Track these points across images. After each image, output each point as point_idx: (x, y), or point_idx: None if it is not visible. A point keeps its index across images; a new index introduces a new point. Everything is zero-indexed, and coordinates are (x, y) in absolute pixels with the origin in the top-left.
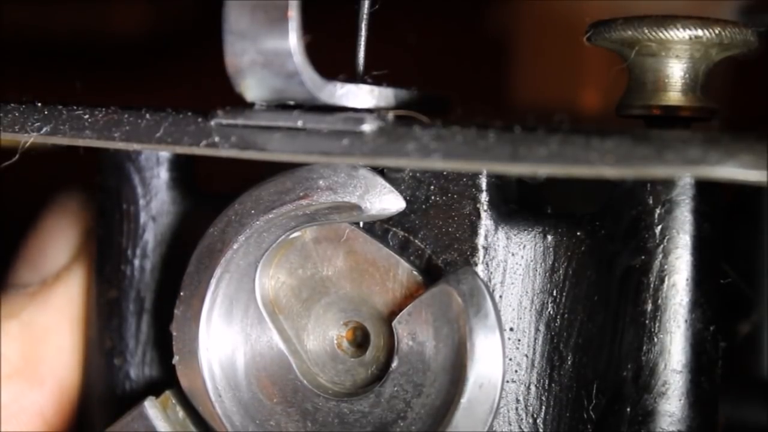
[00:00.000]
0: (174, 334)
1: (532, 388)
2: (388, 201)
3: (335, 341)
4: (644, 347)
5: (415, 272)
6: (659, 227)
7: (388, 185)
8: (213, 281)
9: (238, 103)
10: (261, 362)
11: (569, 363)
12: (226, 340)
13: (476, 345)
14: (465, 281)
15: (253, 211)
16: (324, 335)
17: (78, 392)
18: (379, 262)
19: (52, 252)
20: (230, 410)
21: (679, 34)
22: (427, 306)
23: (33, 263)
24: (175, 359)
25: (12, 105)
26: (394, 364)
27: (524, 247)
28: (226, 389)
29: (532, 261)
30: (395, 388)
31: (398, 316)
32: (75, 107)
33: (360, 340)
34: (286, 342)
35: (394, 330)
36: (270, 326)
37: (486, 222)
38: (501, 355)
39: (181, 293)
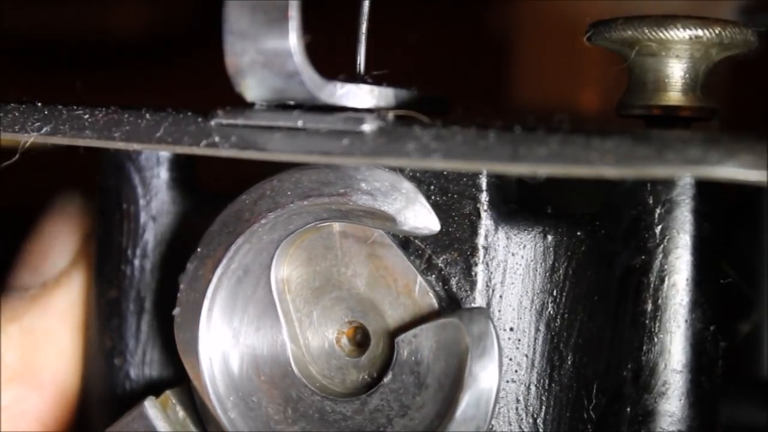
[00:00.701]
0: (181, 286)
1: (532, 388)
2: (423, 220)
3: (335, 336)
4: (644, 347)
5: (430, 294)
6: (659, 227)
7: (427, 205)
8: (233, 247)
9: (238, 103)
10: (258, 339)
11: (569, 363)
12: (230, 305)
13: (471, 387)
14: (478, 323)
15: (289, 193)
16: (326, 328)
17: (78, 396)
18: (398, 273)
19: (53, 255)
20: (217, 376)
21: (680, 34)
22: (435, 334)
23: (33, 266)
24: (176, 311)
25: (12, 105)
26: (387, 379)
27: (524, 246)
28: (217, 355)
29: (532, 261)
30: (381, 402)
31: (403, 334)
32: (75, 107)
33: (359, 341)
34: (287, 324)
35: (395, 345)
36: (276, 305)
37: (486, 222)
38: (493, 401)
39: (198, 250)
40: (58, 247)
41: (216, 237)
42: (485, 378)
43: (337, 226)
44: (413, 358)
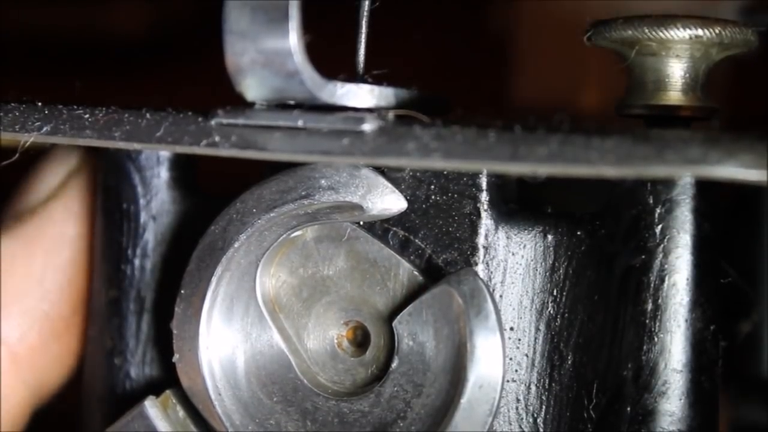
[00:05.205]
0: (174, 332)
1: (533, 387)
2: (389, 201)
3: (335, 340)
4: (644, 347)
5: (416, 272)
6: (659, 227)
7: (389, 185)
8: (214, 279)
9: (239, 103)
10: (261, 361)
11: (569, 362)
12: (226, 338)
13: (476, 346)
14: (466, 282)
15: (254, 210)
16: (324, 334)
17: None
18: (380, 261)
19: (33, 190)
20: (230, 409)
21: (680, 33)
22: (428, 306)
23: (13, 204)
24: (175, 357)
25: (12, 104)
26: (395, 364)
27: (524, 246)
28: (225, 388)
29: (532, 260)
30: (395, 388)
31: (399, 316)
32: (75, 107)
33: (360, 340)
34: (286, 341)
35: (394, 330)
36: (270, 325)
37: (486, 221)
38: (501, 357)
39: (182, 291)
40: (39, 183)
41: (195, 274)
42: (485, 335)
43: (309, 233)
44: (414, 337)
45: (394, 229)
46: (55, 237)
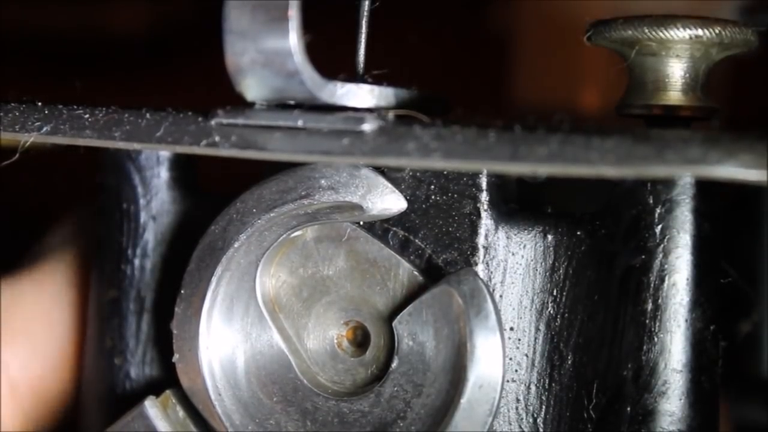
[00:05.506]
0: (174, 332)
1: (533, 387)
2: (389, 201)
3: (335, 341)
4: (644, 347)
5: (416, 272)
6: (659, 227)
7: (389, 185)
8: (214, 279)
9: (239, 103)
10: (261, 361)
11: (569, 362)
12: (226, 338)
13: (476, 346)
14: (466, 282)
15: (254, 210)
16: (324, 334)
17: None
18: (380, 261)
19: (47, 240)
20: (230, 409)
21: (680, 33)
22: (428, 306)
23: (30, 250)
24: (175, 357)
25: (12, 104)
26: (394, 364)
27: (524, 246)
28: (225, 388)
29: (532, 260)
30: (395, 388)
31: (399, 316)
32: (75, 107)
33: (360, 340)
34: (286, 341)
35: (394, 330)
36: (270, 325)
37: (486, 221)
38: (501, 357)
39: (182, 291)
40: (53, 233)
41: (195, 274)
42: (485, 335)
43: (309, 233)
44: (414, 337)
45: (394, 229)
46: (64, 280)
